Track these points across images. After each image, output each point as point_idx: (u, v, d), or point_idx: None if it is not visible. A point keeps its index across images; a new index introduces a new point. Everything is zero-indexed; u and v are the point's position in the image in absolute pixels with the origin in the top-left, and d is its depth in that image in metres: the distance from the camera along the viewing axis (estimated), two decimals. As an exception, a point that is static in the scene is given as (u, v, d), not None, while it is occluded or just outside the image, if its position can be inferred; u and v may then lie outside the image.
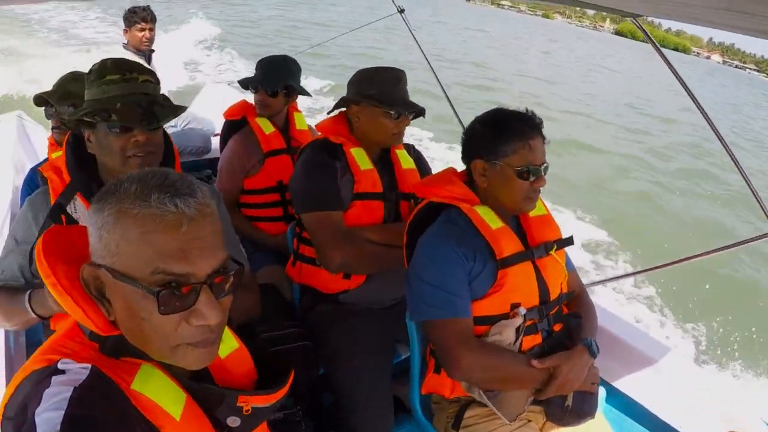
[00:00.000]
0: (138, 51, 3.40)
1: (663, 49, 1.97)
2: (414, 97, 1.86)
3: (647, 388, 1.93)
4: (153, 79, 1.35)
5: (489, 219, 1.44)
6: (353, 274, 1.80)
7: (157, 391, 0.73)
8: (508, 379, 1.39)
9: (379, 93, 1.76)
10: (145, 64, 2.37)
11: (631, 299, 5.43)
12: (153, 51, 3.50)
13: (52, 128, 2.12)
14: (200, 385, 0.78)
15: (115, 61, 1.32)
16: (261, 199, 2.32)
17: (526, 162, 1.40)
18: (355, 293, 1.82)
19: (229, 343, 0.88)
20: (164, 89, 1.46)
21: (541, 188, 1.47)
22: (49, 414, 0.63)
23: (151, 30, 3.43)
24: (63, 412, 0.63)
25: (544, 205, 1.59)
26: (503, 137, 1.42)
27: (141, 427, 0.69)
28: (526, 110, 1.48)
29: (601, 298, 4.79)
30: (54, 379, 0.67)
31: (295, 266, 1.93)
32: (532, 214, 1.54)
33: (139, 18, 3.36)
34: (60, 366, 0.70)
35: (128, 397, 0.70)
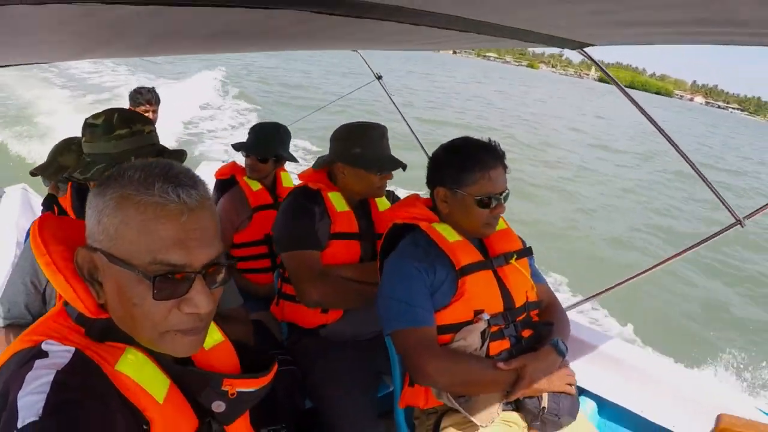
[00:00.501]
0: None
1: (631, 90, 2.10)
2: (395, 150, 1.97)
3: (637, 395, 1.93)
4: (153, 127, 1.46)
5: (447, 234, 1.54)
6: (330, 309, 1.88)
7: (141, 374, 0.73)
8: (475, 382, 1.44)
9: (365, 153, 1.86)
10: None
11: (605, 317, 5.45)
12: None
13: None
14: (185, 369, 0.79)
15: (121, 115, 1.40)
16: (250, 252, 2.45)
17: (486, 191, 1.49)
18: (335, 327, 1.90)
19: (214, 336, 0.90)
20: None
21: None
22: (31, 398, 0.63)
23: (155, 112, 3.62)
24: (45, 396, 0.63)
25: (504, 221, 1.69)
26: (465, 167, 1.50)
27: (124, 409, 0.70)
28: (490, 140, 1.56)
29: (581, 316, 4.78)
30: (37, 362, 0.68)
31: (278, 305, 2.02)
32: None
33: (144, 100, 3.53)
34: (44, 347, 0.70)
35: (111, 380, 0.71)
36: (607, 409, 1.98)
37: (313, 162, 2.04)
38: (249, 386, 0.82)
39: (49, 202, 1.32)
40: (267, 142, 2.50)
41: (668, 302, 6.40)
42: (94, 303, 0.75)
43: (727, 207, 1.88)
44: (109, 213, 0.70)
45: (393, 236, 1.62)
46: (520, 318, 1.56)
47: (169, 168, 0.73)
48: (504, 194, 1.52)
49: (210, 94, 15.41)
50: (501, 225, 1.67)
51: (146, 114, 3.56)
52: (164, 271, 0.69)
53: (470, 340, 1.45)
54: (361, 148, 1.86)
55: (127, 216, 0.69)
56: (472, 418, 1.43)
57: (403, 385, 1.63)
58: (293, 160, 2.57)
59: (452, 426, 1.50)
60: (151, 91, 3.60)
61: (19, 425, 0.60)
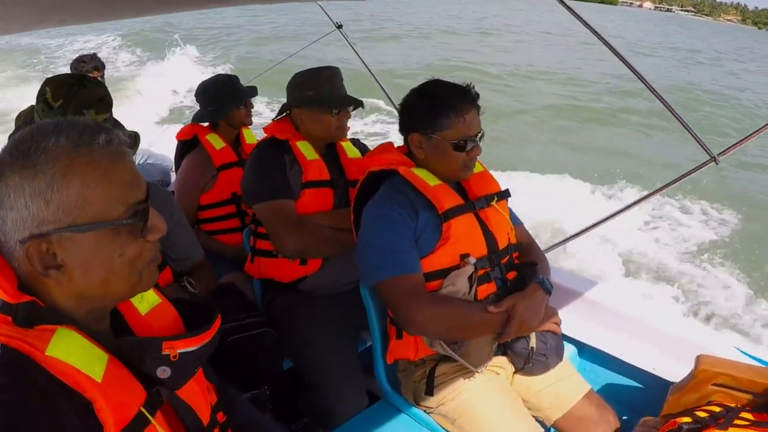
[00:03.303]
0: None
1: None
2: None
3: (616, 338, 1.95)
4: (108, 113, 1.47)
5: (427, 178, 1.48)
6: (309, 260, 1.83)
7: (74, 354, 0.69)
8: (467, 326, 1.41)
9: (318, 93, 1.83)
10: None
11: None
12: None
13: None
14: (121, 339, 0.76)
15: (73, 100, 1.40)
16: (218, 213, 2.36)
17: (461, 134, 1.45)
18: (313, 279, 1.84)
19: (150, 299, 0.87)
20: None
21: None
22: None
23: (102, 77, 3.47)
24: None
25: (481, 164, 1.65)
26: (439, 111, 1.45)
27: (64, 395, 0.66)
28: (464, 83, 1.50)
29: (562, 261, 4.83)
30: None
31: (253, 262, 1.95)
32: None
33: (90, 67, 3.39)
34: None
35: (44, 367, 0.66)
36: (586, 353, 1.99)
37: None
38: (190, 345, 0.77)
39: None
40: (234, 90, 2.39)
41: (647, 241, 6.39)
42: (13, 287, 0.69)
43: (700, 144, 1.87)
44: (59, 187, 0.67)
45: (370, 184, 1.56)
46: (504, 260, 1.53)
47: (84, 122, 0.73)
48: (479, 135, 1.48)
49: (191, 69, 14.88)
50: (478, 168, 1.62)
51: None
52: (135, 210, 0.72)
53: (459, 285, 1.41)
54: (314, 90, 1.84)
55: (85, 178, 0.68)
56: (466, 364, 1.41)
57: (384, 341, 1.59)
58: (255, 93, 2.47)
59: (443, 375, 1.48)
60: (95, 58, 3.46)
61: None
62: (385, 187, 1.50)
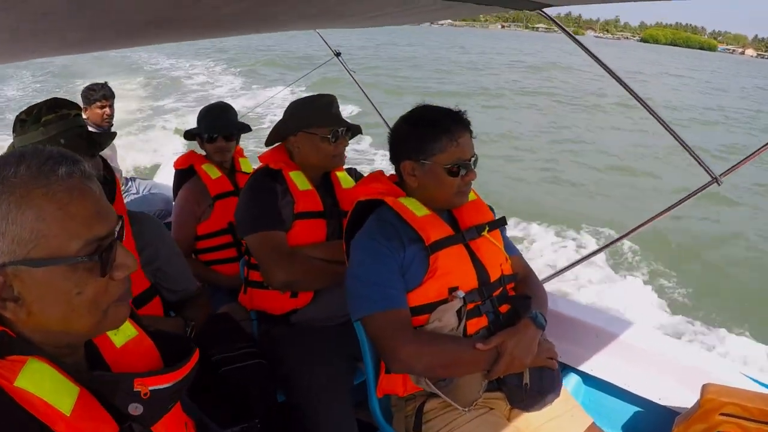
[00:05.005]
0: (98, 127, 3.45)
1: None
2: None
3: (621, 368, 1.89)
4: (80, 111, 1.48)
5: (414, 208, 1.45)
6: (300, 292, 1.80)
7: (44, 386, 0.68)
8: (453, 363, 1.36)
9: (314, 119, 1.82)
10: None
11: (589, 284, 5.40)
12: (112, 125, 3.58)
13: None
14: (92, 374, 0.74)
15: (47, 103, 1.43)
16: (214, 242, 2.35)
17: (454, 159, 1.42)
18: (306, 312, 1.81)
19: (126, 332, 0.85)
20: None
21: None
22: None
23: (111, 107, 3.53)
24: None
25: (474, 192, 1.61)
26: (431, 136, 1.43)
27: (31, 427, 0.65)
28: (456, 108, 1.48)
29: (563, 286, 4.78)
30: None
31: (246, 293, 1.93)
32: None
33: (99, 96, 3.45)
34: None
35: (13, 398, 0.66)
36: (590, 384, 1.93)
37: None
38: (164, 382, 0.75)
39: None
40: (226, 119, 2.41)
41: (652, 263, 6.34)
42: None
43: (702, 165, 1.83)
44: (13, 218, 0.65)
45: (358, 214, 1.53)
46: (497, 293, 1.48)
47: (49, 151, 0.70)
48: (473, 160, 1.45)
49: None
50: (471, 196, 1.59)
51: (103, 110, 3.49)
52: (95, 247, 0.69)
53: (446, 320, 1.37)
54: (310, 116, 1.83)
55: (41, 210, 0.66)
56: (454, 403, 1.36)
57: (377, 373, 1.55)
58: (249, 129, 2.49)
59: (433, 411, 1.43)
60: (105, 87, 3.51)
61: None
62: (373, 218, 1.48)
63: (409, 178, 1.49)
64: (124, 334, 0.84)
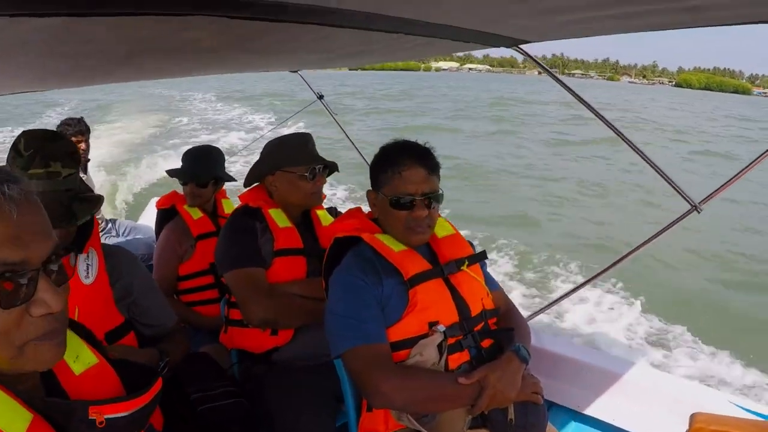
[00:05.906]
0: None
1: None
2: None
3: (608, 403, 1.87)
4: (75, 169, 1.39)
5: (391, 244, 1.46)
6: (280, 330, 1.78)
7: None
8: (435, 399, 1.34)
9: (289, 157, 1.85)
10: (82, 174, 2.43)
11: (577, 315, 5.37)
12: (89, 160, 3.58)
13: None
14: (47, 400, 0.71)
15: (42, 151, 1.33)
16: (196, 283, 2.34)
17: (399, 192, 1.42)
18: (287, 350, 1.79)
19: (86, 360, 0.82)
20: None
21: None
22: None
23: (86, 142, 3.51)
24: None
25: (452, 226, 1.62)
26: (379, 167, 1.47)
27: None
28: (424, 144, 1.49)
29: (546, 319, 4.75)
30: None
31: (227, 332, 1.91)
32: (440, 234, 1.55)
33: (74, 131, 3.40)
34: None
35: None
36: (579, 420, 1.91)
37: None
38: (121, 410, 0.73)
39: None
40: (203, 166, 2.41)
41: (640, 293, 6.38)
42: None
43: (681, 194, 1.85)
44: None
45: (336, 251, 1.53)
46: (478, 327, 1.47)
47: None
48: (426, 195, 1.42)
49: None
50: (449, 230, 1.60)
51: (79, 145, 3.43)
52: (9, 272, 0.62)
53: (427, 354, 1.35)
54: (287, 155, 1.85)
55: None
56: None
57: (359, 413, 1.51)
58: (231, 179, 2.51)
59: None
60: (81, 122, 3.49)
61: None
62: (351, 254, 1.48)
63: (372, 207, 1.53)
64: (83, 362, 0.82)
